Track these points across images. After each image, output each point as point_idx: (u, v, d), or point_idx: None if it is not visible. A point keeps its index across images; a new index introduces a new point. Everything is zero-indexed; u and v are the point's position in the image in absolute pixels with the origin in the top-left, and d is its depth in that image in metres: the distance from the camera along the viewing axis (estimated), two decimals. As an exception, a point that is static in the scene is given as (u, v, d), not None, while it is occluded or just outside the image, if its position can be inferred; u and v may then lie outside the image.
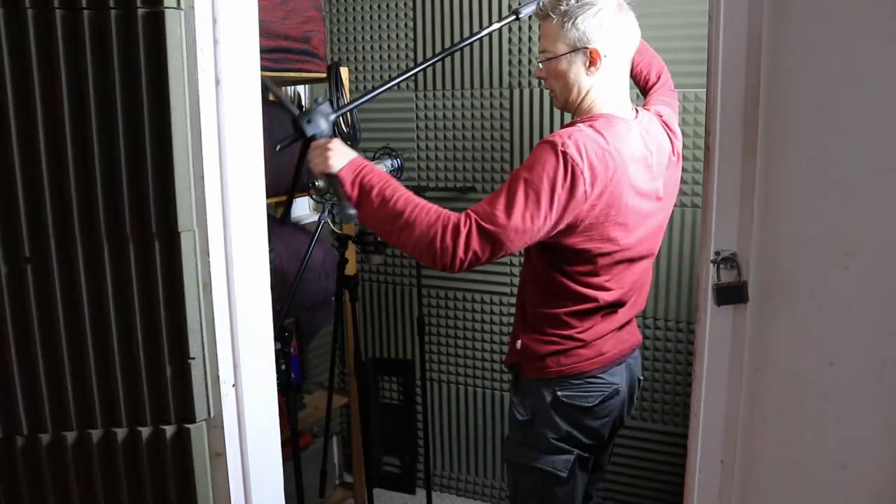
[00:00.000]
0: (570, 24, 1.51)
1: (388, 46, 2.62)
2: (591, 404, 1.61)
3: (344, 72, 2.31)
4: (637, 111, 1.64)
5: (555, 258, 1.56)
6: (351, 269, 2.41)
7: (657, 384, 2.38)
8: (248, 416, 1.21)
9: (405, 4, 2.55)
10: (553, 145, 1.43)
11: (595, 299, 1.58)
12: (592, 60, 1.53)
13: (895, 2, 1.12)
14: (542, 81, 1.68)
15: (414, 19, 2.55)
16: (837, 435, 1.23)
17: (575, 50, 1.53)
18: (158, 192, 1.06)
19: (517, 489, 1.70)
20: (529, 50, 2.36)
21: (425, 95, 2.59)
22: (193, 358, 1.11)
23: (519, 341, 1.65)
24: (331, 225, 2.09)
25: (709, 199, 1.27)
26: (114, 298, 1.08)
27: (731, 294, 1.25)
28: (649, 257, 1.67)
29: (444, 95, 2.56)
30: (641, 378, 1.78)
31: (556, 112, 2.36)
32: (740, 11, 1.19)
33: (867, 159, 1.16)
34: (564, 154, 1.41)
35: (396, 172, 2.06)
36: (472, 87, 2.48)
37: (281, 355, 1.96)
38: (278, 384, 1.41)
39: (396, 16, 2.58)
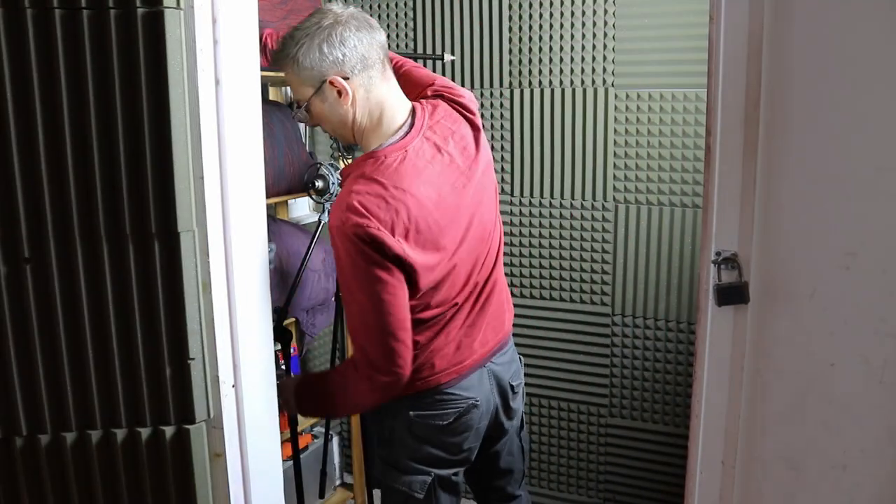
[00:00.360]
0: (297, 66, 1.43)
1: (389, 46, 2.62)
2: (445, 422, 1.55)
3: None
4: (414, 112, 1.53)
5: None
6: (351, 269, 2.40)
7: (657, 384, 2.38)
8: (247, 416, 1.21)
9: (405, 4, 2.55)
10: (337, 231, 1.38)
11: (427, 312, 1.51)
12: (338, 90, 1.43)
13: (895, 2, 1.11)
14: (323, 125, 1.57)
15: (414, 19, 2.55)
16: (839, 436, 1.23)
17: (318, 88, 1.44)
18: (158, 193, 1.06)
19: None
20: (530, 50, 2.36)
21: (425, 95, 2.59)
22: (193, 358, 1.11)
23: None
24: (331, 225, 2.09)
25: (709, 199, 1.27)
26: (113, 299, 1.08)
27: (732, 294, 1.25)
28: (479, 251, 1.57)
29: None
30: (515, 384, 1.69)
31: (557, 112, 2.36)
32: (741, 11, 1.19)
33: (867, 159, 1.16)
34: (355, 236, 1.35)
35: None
36: (472, 86, 2.48)
37: (281, 355, 1.96)
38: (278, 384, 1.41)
39: (396, 16, 2.58)
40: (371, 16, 2.59)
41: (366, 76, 1.45)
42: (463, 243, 1.51)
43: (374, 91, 1.47)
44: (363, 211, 1.35)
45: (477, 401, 1.57)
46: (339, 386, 1.54)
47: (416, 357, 1.51)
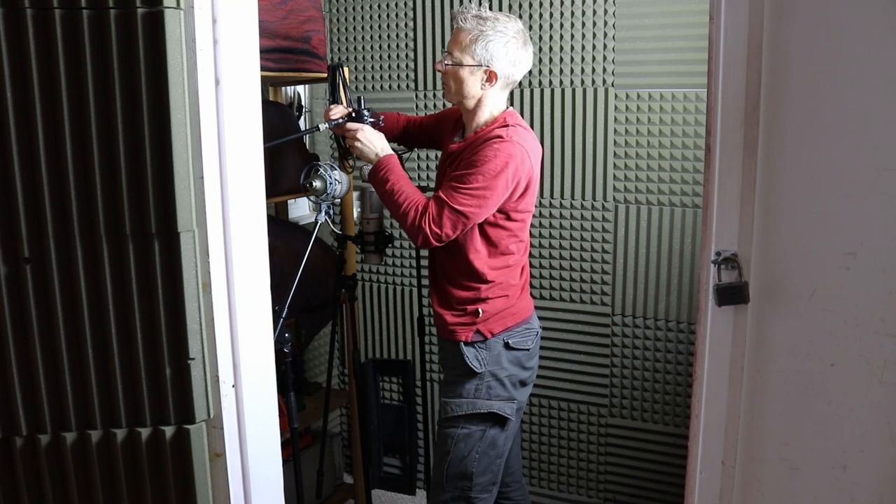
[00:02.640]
0: (483, 44, 1.76)
1: (388, 46, 2.62)
2: (529, 347, 1.93)
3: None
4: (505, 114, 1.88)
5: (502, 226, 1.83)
6: (350, 268, 2.40)
7: (657, 384, 2.38)
8: (247, 416, 1.21)
9: (405, 4, 2.55)
10: (498, 140, 1.76)
11: (519, 258, 1.90)
12: (490, 79, 1.79)
13: (895, 2, 1.11)
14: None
15: (414, 19, 2.55)
16: (838, 436, 1.23)
17: (479, 66, 1.78)
18: (158, 192, 1.06)
19: (455, 446, 1.88)
20: (529, 50, 2.36)
21: (425, 95, 2.58)
22: (193, 358, 1.11)
23: (479, 307, 1.85)
24: (330, 225, 2.09)
25: (709, 199, 1.27)
26: (113, 299, 1.08)
27: (732, 294, 1.25)
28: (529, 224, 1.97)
29: (444, 95, 2.56)
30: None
31: (557, 112, 2.36)
32: (740, 11, 1.19)
33: (867, 159, 1.16)
34: (514, 144, 1.75)
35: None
36: (472, 87, 2.48)
37: (280, 356, 1.96)
38: (278, 385, 1.41)
39: (396, 16, 2.58)
40: (371, 17, 2.61)
41: (505, 84, 1.83)
42: (531, 205, 1.87)
43: (500, 94, 1.85)
44: (513, 137, 1.76)
45: (538, 330, 1.98)
46: (403, 195, 1.80)
47: (503, 296, 1.87)
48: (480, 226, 1.81)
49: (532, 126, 2.41)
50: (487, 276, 1.84)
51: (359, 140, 1.87)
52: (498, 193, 1.73)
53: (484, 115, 1.84)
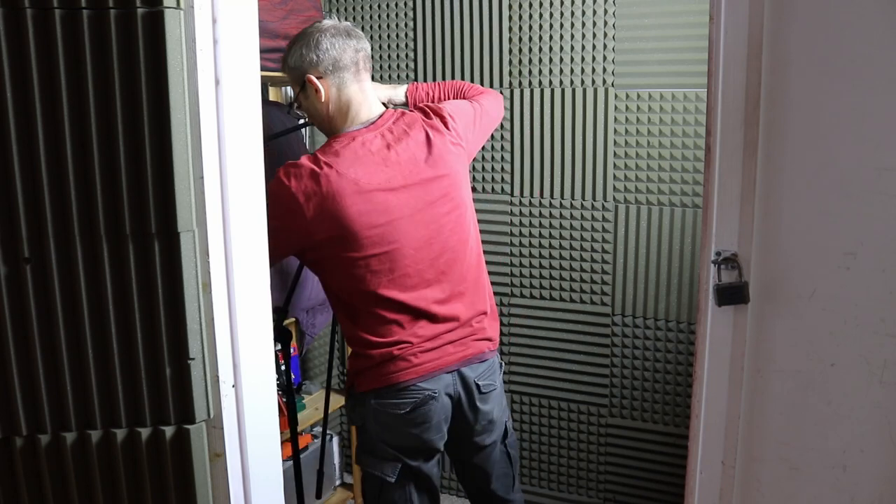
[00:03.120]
0: (287, 67, 1.69)
1: (388, 46, 2.62)
2: (403, 411, 1.63)
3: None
4: (382, 115, 1.69)
5: (341, 282, 1.63)
6: (351, 269, 2.40)
7: (657, 384, 2.38)
8: (247, 416, 1.21)
9: (405, 4, 2.55)
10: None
11: (388, 310, 1.62)
12: (314, 87, 1.65)
13: (895, 3, 1.12)
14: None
15: (414, 19, 2.55)
16: (838, 436, 1.23)
17: (301, 87, 1.67)
18: (158, 192, 1.06)
19: (364, 491, 1.77)
20: (530, 49, 2.36)
21: (425, 95, 2.59)
22: (193, 358, 1.11)
23: (350, 359, 1.71)
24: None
25: (709, 199, 1.27)
26: (113, 299, 1.08)
27: (732, 294, 1.25)
28: (443, 256, 1.66)
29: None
30: (482, 384, 1.72)
31: (557, 112, 2.37)
32: (740, 11, 1.19)
33: (867, 159, 1.16)
34: (273, 183, 1.55)
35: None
36: (472, 87, 2.48)
37: (281, 355, 1.96)
38: (278, 384, 1.41)
39: (396, 16, 2.58)
40: (371, 17, 2.61)
41: (338, 76, 1.65)
42: (399, 232, 1.60)
43: (344, 90, 1.67)
44: (290, 174, 1.55)
45: (434, 393, 1.65)
46: None
47: (367, 356, 1.63)
48: (329, 278, 1.65)
49: (532, 126, 2.41)
50: (343, 325, 1.68)
51: None
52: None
53: (343, 127, 1.68)
